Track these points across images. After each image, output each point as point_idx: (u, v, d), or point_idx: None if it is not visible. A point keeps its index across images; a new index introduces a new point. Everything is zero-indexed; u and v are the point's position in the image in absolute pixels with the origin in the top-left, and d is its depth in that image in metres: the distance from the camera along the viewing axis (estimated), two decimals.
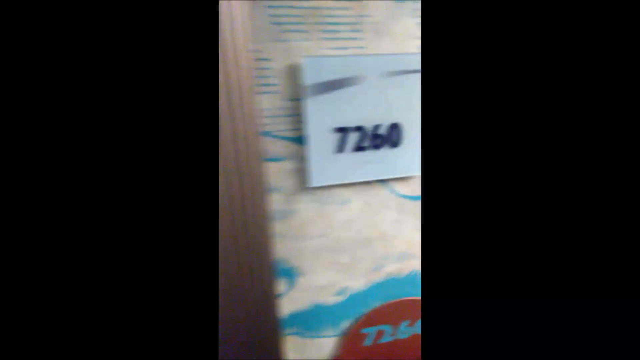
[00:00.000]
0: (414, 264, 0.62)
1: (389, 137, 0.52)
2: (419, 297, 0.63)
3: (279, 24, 0.47)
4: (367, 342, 0.63)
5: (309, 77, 0.48)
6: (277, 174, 0.53)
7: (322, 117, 0.50)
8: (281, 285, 0.59)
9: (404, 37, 0.51)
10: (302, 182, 0.54)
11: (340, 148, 0.51)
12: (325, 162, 0.52)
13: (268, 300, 0.57)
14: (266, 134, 0.51)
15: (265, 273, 0.56)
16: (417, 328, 0.65)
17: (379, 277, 0.61)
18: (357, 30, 0.49)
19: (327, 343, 0.63)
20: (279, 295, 0.59)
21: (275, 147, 0.52)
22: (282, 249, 0.57)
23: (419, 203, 0.59)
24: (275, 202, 0.54)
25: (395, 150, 0.53)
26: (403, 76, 0.50)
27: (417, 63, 0.50)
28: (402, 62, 0.50)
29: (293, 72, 0.49)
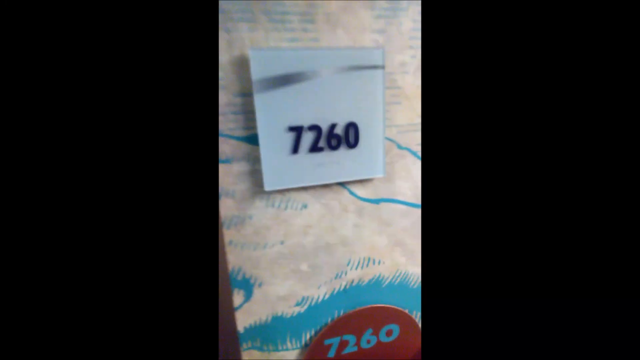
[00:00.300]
0: (377, 270, 0.60)
1: (345, 138, 0.49)
2: (383, 305, 0.61)
3: (222, 12, 0.43)
4: (331, 354, 0.60)
5: (257, 71, 0.44)
6: (228, 176, 0.49)
7: (273, 114, 0.46)
8: (237, 298, 0.54)
9: (360, 30, 0.48)
10: (255, 185, 0.50)
11: (295, 149, 0.48)
12: (279, 164, 0.48)
13: (226, 313, 0.53)
14: None
15: (222, 285, 0.52)
16: (382, 336, 0.62)
17: (340, 284, 0.58)
18: (308, 21, 0.46)
19: (289, 356, 0.59)
20: (236, 308, 0.54)
21: (224, 147, 0.48)
22: (236, 258, 0.52)
23: (379, 206, 0.56)
24: (226, 207, 0.50)
25: (352, 151, 0.50)
26: (359, 72, 0.48)
27: (373, 58, 0.48)
28: (358, 57, 0.47)
29: (240, 65, 0.45)
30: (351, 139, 0.50)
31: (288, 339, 0.58)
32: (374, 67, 0.48)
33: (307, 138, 0.48)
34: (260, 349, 0.57)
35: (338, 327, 0.59)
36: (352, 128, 0.49)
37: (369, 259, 0.59)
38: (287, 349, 0.59)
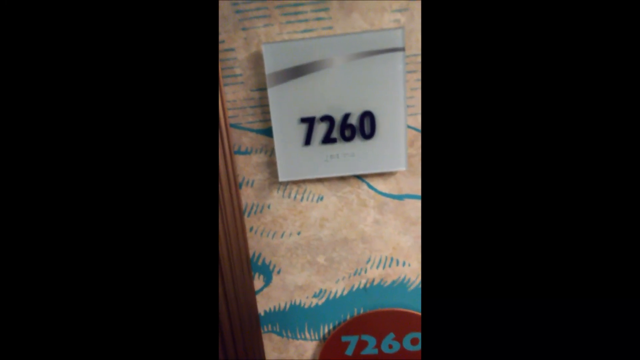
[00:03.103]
0: (401, 272, 0.55)
1: (360, 128, 0.47)
2: (407, 310, 0.56)
3: (241, 11, 0.46)
4: (349, 351, 0.58)
5: (271, 65, 0.45)
6: (248, 167, 0.52)
7: (286, 107, 0.47)
8: (257, 282, 0.57)
9: (378, 11, 0.45)
10: (272, 176, 0.52)
11: (307, 140, 0.48)
12: (292, 156, 0.49)
13: (248, 295, 0.57)
14: (234, 126, 0.50)
15: (244, 268, 0.56)
16: (406, 344, 0.57)
17: (360, 282, 0.56)
18: (321, 9, 0.45)
19: (307, 345, 0.60)
20: (256, 292, 0.58)
21: (244, 139, 0.51)
22: (256, 244, 0.55)
23: (403, 203, 0.52)
24: (246, 196, 0.53)
25: (369, 142, 0.47)
26: (376, 57, 0.45)
27: (392, 40, 0.44)
28: (374, 41, 0.44)
29: (256, 61, 0.47)
30: (366, 129, 0.47)
31: (306, 329, 0.59)
32: (393, 49, 0.44)
33: (320, 129, 0.47)
34: (280, 334, 0.60)
35: (357, 325, 0.57)
36: (367, 117, 0.47)
37: (391, 259, 0.55)
38: (305, 339, 0.60)
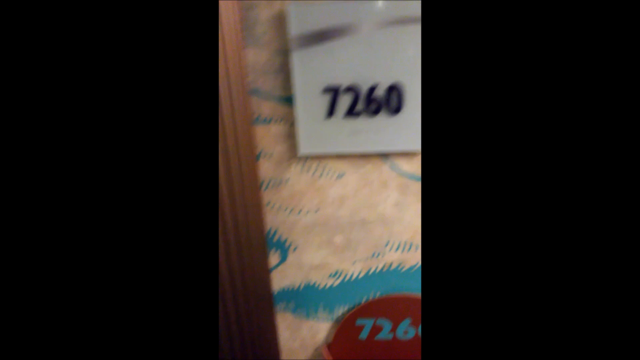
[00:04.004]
0: (419, 257, 0.53)
1: (387, 102, 0.43)
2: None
3: None
4: (363, 335, 0.57)
5: (296, 26, 0.42)
6: (267, 137, 0.50)
7: (310, 74, 0.44)
8: (272, 258, 0.56)
9: None
10: (292, 149, 0.49)
11: (330, 112, 0.45)
12: (314, 128, 0.46)
13: (262, 272, 0.56)
14: (253, 92, 0.48)
15: (259, 243, 0.54)
16: (421, 329, 0.55)
17: (377, 265, 0.54)
18: None
19: (321, 326, 0.59)
20: (271, 269, 0.57)
21: (263, 108, 0.48)
22: (273, 219, 0.54)
23: None
24: (265, 168, 0.51)
25: (395, 118, 0.44)
26: (405, 26, 0.40)
27: None
28: (404, 7, 0.40)
29: (280, 22, 0.44)
30: (393, 103, 0.43)
31: (321, 310, 0.58)
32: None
33: (344, 101, 0.44)
34: (293, 312, 0.59)
35: (373, 308, 0.55)
36: (394, 91, 0.43)
37: (411, 244, 0.52)
38: (319, 320, 0.59)
